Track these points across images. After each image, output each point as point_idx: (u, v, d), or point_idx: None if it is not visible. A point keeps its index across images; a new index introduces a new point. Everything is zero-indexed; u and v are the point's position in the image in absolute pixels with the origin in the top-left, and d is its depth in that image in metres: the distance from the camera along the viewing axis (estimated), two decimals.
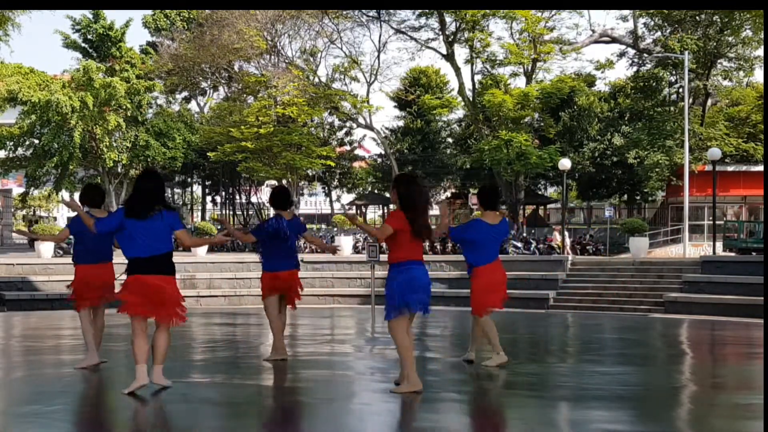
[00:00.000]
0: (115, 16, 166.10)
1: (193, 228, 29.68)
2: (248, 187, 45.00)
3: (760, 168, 33.21)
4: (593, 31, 36.86)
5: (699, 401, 6.73)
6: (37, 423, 5.44)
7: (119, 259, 6.86)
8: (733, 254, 24.77)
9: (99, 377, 7.45)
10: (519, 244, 26.34)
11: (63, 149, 31.30)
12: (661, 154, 32.82)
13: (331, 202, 50.81)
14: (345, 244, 25.50)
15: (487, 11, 32.61)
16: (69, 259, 24.78)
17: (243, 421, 5.74)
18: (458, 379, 7.59)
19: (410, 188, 6.23)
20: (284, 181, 34.67)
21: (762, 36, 32.26)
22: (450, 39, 34.66)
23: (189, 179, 46.93)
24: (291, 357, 8.66)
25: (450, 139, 46.57)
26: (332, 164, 37.07)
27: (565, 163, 28.49)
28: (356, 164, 48.25)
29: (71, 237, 7.59)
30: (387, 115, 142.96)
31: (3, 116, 32.48)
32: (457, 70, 35.14)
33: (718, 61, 35.29)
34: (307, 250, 28.68)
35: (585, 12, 36.44)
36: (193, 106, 45.43)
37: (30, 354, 9.33)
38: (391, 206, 49.87)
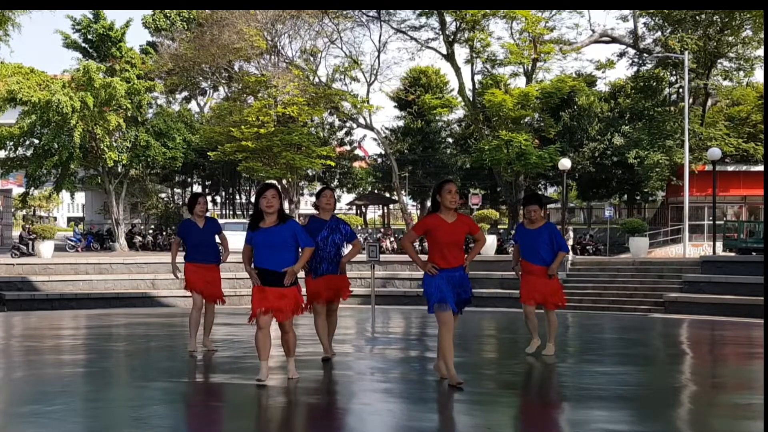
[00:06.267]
0: (115, 16, 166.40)
1: None
2: (248, 187, 44.97)
3: (760, 168, 33.21)
4: (593, 31, 36.87)
5: (699, 401, 6.73)
6: (37, 423, 5.44)
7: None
8: (733, 254, 24.76)
9: (98, 377, 7.46)
10: None
11: (63, 149, 31.24)
12: (661, 154, 32.82)
13: None
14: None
15: (487, 11, 32.61)
16: (70, 259, 24.74)
17: (243, 421, 5.74)
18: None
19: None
20: (284, 181, 34.65)
21: (762, 36, 32.25)
22: (450, 39, 34.65)
23: (189, 179, 46.93)
24: None
25: (450, 139, 46.60)
26: (332, 164, 37.06)
27: (565, 163, 28.49)
28: (356, 164, 48.26)
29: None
30: (387, 115, 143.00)
31: (3, 116, 32.41)
32: (457, 70, 35.13)
33: (718, 61, 35.29)
34: None
35: (585, 12, 36.49)
36: (193, 106, 45.45)
37: (30, 354, 9.32)
38: (392, 206, 49.92)
